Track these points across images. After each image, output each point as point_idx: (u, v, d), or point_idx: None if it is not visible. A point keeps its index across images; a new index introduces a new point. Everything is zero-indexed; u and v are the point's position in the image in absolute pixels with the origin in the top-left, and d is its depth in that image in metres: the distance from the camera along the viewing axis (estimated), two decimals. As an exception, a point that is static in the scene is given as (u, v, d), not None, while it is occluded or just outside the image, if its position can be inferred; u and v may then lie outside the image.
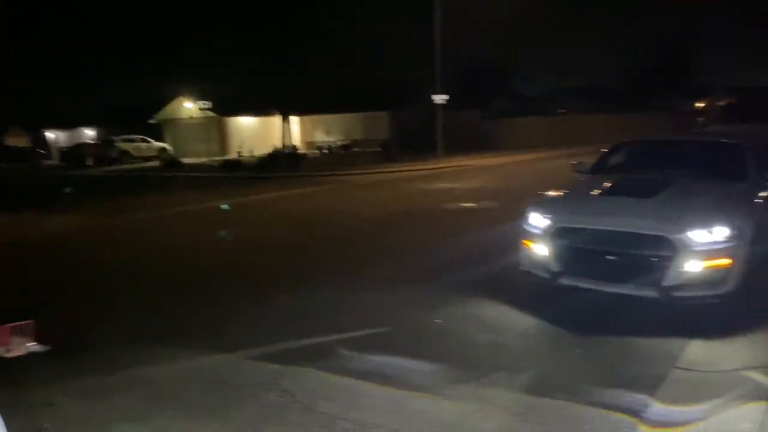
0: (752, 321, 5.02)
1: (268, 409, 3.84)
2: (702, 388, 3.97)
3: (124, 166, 34.16)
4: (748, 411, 3.53)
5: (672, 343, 4.77)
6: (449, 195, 15.40)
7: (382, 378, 4.24)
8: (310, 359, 4.57)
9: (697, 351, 4.61)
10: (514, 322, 5.41)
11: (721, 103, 15.08)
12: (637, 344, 4.83)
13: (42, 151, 43.63)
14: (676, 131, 17.77)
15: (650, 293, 5.23)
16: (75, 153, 37.22)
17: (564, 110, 50.46)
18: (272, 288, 6.86)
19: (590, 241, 5.59)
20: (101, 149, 36.92)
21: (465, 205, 13.38)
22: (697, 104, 42.77)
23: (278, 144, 36.09)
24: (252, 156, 33.45)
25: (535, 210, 6.03)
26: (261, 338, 5.12)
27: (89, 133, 45.93)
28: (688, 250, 5.13)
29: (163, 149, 38.81)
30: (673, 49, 52.95)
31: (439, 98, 27.19)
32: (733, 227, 5.20)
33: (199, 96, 38.54)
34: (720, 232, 5.18)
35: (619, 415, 3.67)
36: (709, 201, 5.52)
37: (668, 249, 5.19)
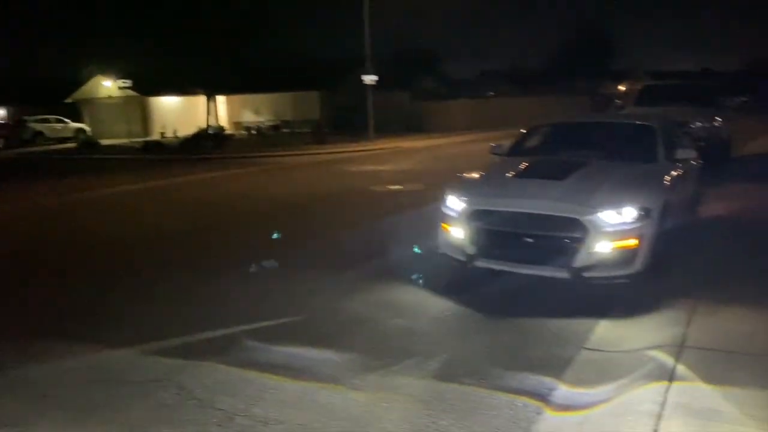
0: (659, 300, 5.10)
1: (161, 408, 3.59)
2: (608, 369, 3.98)
3: (38, 148, 32.31)
4: (651, 391, 3.55)
5: (582, 324, 4.80)
6: (377, 177, 15.29)
7: (290, 370, 4.06)
8: (213, 352, 4.34)
9: (605, 331, 4.64)
10: (429, 306, 5.33)
11: (638, 87, 15.50)
12: (549, 326, 4.84)
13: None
14: (596, 113, 18.19)
15: (562, 274, 5.26)
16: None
17: (493, 93, 51.28)
18: (181, 276, 6.52)
19: (504, 223, 5.57)
20: (12, 130, 34.78)
21: (392, 187, 13.29)
22: (619, 87, 44.23)
23: (202, 123, 35.00)
24: (176, 137, 32.35)
25: (452, 193, 5.97)
26: (161, 331, 4.82)
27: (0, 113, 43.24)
28: (598, 231, 5.17)
29: (81, 130, 36.98)
30: (598, 34, 54.45)
31: (369, 79, 26.98)
32: (641, 208, 5.28)
33: (118, 74, 36.85)
34: (628, 213, 5.25)
35: (525, 400, 3.63)
36: (618, 182, 5.59)
37: (578, 230, 5.22)
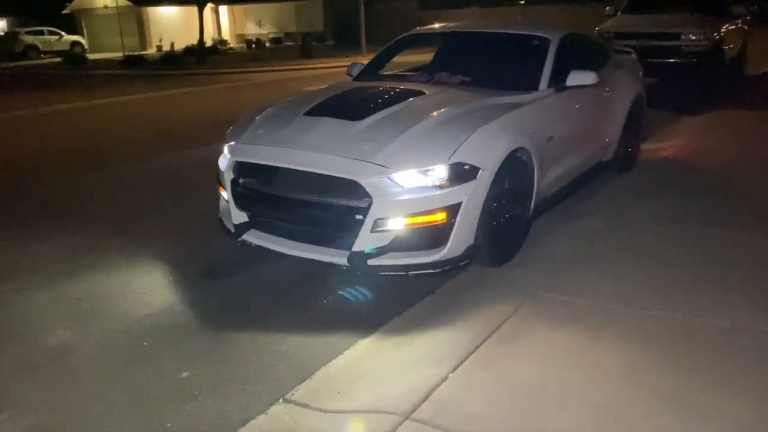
0: (461, 305, 3.42)
1: None
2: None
3: (28, 62, 31.00)
4: None
5: (329, 346, 3.18)
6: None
7: None
8: None
9: (344, 364, 3.00)
10: (136, 305, 3.68)
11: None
12: (279, 350, 3.20)
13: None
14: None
15: (341, 260, 3.59)
16: (-25, 47, 33.81)
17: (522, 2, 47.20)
18: None
19: (272, 183, 3.87)
20: (4, 43, 33.45)
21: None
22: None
23: (206, 37, 33.00)
24: (172, 50, 30.54)
25: (228, 137, 4.26)
26: None
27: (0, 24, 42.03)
28: (386, 199, 3.45)
29: (77, 43, 35.52)
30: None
31: (360, -16, 24.40)
32: (456, 165, 3.51)
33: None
34: (437, 174, 3.49)
35: None
36: (434, 126, 3.76)
37: (361, 198, 3.50)
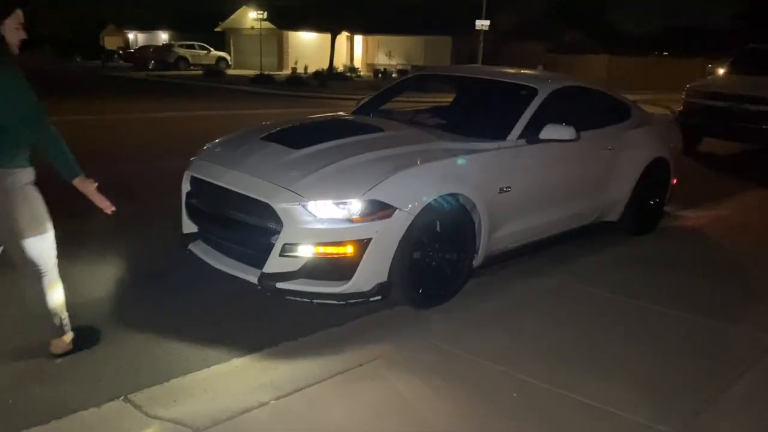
0: (364, 339, 3.42)
1: None
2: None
3: (177, 72, 34.11)
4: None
5: (208, 358, 3.30)
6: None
7: None
8: None
9: (206, 378, 3.09)
10: (71, 295, 4.00)
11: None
12: (161, 353, 3.35)
13: (121, 52, 44.88)
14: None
15: (253, 279, 3.73)
16: (136, 56, 37.81)
17: (666, 53, 45.27)
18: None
19: (211, 199, 4.10)
20: (160, 54, 37.08)
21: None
22: None
23: (336, 63, 34.79)
24: (305, 73, 32.48)
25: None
26: None
27: (163, 37, 46.56)
28: (296, 226, 3.55)
29: (222, 59, 38.57)
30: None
31: (481, 24, 24.59)
32: (372, 202, 3.55)
33: (261, 6, 37.48)
34: (351, 208, 3.55)
35: None
36: (365, 163, 3.82)
37: (273, 221, 3.63)
